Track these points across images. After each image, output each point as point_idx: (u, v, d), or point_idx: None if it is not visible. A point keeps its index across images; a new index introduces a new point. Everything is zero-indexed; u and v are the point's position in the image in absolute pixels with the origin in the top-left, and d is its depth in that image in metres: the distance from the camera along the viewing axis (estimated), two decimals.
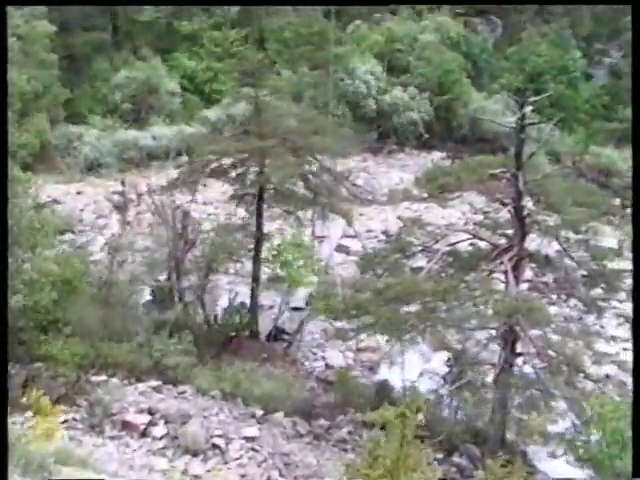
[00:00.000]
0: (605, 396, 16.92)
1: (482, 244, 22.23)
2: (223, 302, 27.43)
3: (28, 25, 42.46)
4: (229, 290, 27.11)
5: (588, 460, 15.15)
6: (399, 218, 33.22)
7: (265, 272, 28.16)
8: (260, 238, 26.65)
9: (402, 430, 12.85)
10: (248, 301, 26.82)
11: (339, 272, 33.80)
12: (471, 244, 24.07)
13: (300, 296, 28.50)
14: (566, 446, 17.07)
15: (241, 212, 28.76)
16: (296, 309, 28.32)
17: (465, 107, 54.16)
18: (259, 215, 26.59)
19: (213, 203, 41.33)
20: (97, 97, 49.07)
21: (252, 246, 26.84)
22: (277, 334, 27.25)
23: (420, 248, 22.12)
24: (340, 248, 38.61)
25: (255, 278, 26.74)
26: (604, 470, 14.39)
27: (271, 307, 29.30)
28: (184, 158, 35.59)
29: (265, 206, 26.86)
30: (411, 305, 19.42)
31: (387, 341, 21.88)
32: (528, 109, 19.67)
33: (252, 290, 26.85)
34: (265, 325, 27.34)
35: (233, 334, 24.95)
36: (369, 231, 42.14)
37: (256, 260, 26.75)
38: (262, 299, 27.80)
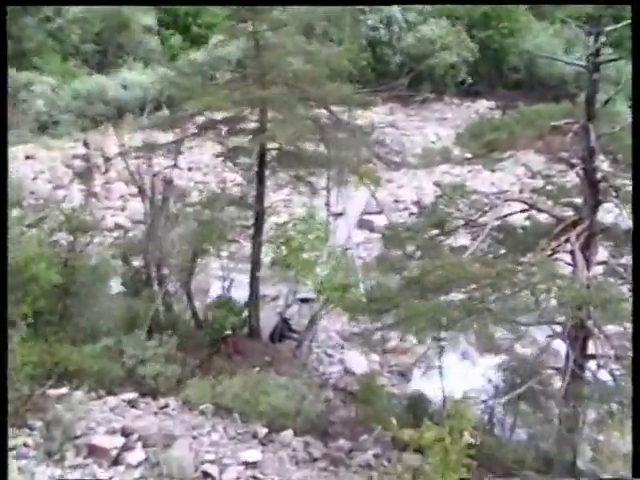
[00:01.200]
0: None
1: (542, 217, 21.89)
2: (215, 293, 27.36)
3: None
4: (222, 278, 27.03)
5: None
6: (436, 185, 32.86)
7: (267, 255, 28.07)
8: (261, 212, 26.46)
9: (444, 454, 12.59)
10: (246, 291, 26.71)
11: (360, 254, 33.67)
12: (528, 217, 23.63)
13: (311, 285, 28.39)
14: None
15: (237, 179, 28.57)
16: (306, 300, 28.30)
17: (521, 42, 53.42)
18: (260, 183, 26.38)
19: (202, 169, 41.35)
20: (49, 33, 48.56)
21: (251, 222, 26.78)
22: (283, 332, 27.26)
23: (463, 222, 21.84)
24: (362, 224, 38.56)
25: (255, 262, 26.58)
26: None
27: (275, 298, 29.27)
28: (165, 112, 35.39)
29: (268, 172, 26.69)
30: (451, 295, 19.15)
31: (421, 341, 21.74)
32: (604, 42, 19.15)
33: (251, 278, 26.73)
34: (268, 321, 27.36)
35: (228, 333, 24.93)
36: (397, 201, 42.28)
37: (256, 240, 26.58)
38: (264, 289, 27.74)
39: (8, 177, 17.49)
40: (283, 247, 26.44)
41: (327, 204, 32.09)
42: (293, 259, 26.01)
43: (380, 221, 37.78)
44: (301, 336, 27.01)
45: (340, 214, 34.91)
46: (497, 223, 21.54)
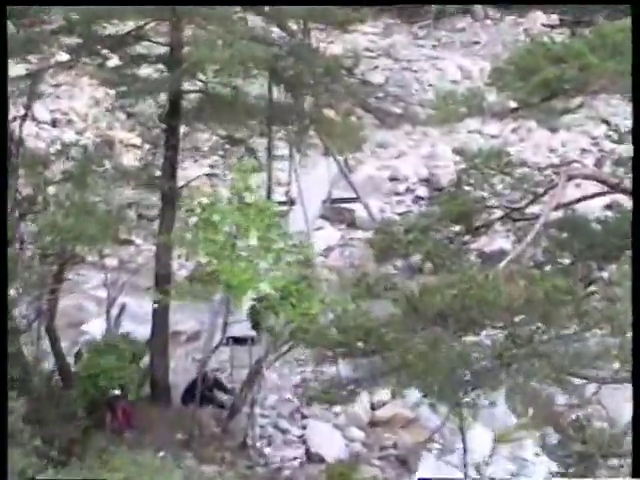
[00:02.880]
0: None
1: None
2: (95, 327, 27.18)
3: None
4: (107, 302, 26.92)
5: None
6: (457, 153, 32.88)
7: (181, 265, 28.15)
8: (172, 193, 26.34)
9: None
10: (148, 325, 26.78)
11: (330, 263, 33.73)
12: (610, 205, 23.75)
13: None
14: None
15: (134, 141, 28.41)
16: (244, 341, 28.15)
17: None
18: (172, 148, 26.37)
19: (75, 122, 41.08)
20: None
21: (156, 212, 26.99)
22: (207, 392, 27.12)
23: (500, 213, 21.92)
24: (335, 214, 38.67)
25: (162, 277, 26.44)
26: None
27: (194, 337, 29.39)
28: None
29: (183, 129, 26.80)
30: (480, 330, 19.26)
31: (431, 405, 21.81)
32: None
33: (155, 302, 26.62)
34: (182, 374, 27.62)
35: (116, 394, 24.81)
36: (395, 179, 42.19)
37: (163, 240, 26.36)
38: (175, 320, 27.91)
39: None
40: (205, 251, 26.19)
41: (268, 186, 31.94)
42: (223, 270, 25.84)
43: (359, 211, 37.99)
44: (237, 398, 26.94)
45: (291, 202, 34.78)
46: (557, 215, 21.63)
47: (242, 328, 27.56)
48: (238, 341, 28.36)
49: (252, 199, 25.29)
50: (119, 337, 25.81)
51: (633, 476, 14.82)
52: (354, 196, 37.97)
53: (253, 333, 27.44)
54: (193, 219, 25.75)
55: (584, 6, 51.39)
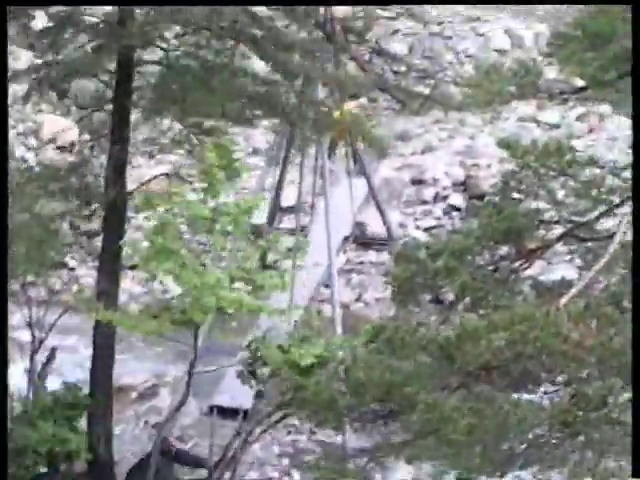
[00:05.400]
0: None
1: None
2: (12, 379, 27.28)
3: None
4: (31, 346, 27.34)
5: None
6: (503, 147, 32.95)
7: (131, 295, 28.14)
8: (119, 202, 26.25)
9: None
10: (85, 377, 26.87)
11: (344, 297, 33.80)
12: None
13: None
14: None
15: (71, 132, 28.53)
16: (233, 413, 28.23)
17: None
18: (120, 139, 26.41)
19: None
20: None
21: (97, 225, 27.55)
22: (168, 465, 27.08)
23: (562, 229, 22.16)
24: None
25: (108, 305, 26.37)
26: None
27: (147, 394, 29.44)
28: None
29: (135, 114, 26.93)
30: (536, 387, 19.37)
31: None
32: None
33: (96, 346, 26.76)
34: (131, 443, 27.99)
35: (42, 472, 24.85)
36: (420, 183, 42.09)
37: (107, 261, 26.41)
38: (123, 371, 28.10)
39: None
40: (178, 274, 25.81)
41: (278, 190, 31.97)
42: (198, 302, 25.45)
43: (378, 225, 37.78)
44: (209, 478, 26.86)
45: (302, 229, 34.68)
46: None
47: (236, 395, 27.63)
48: (225, 413, 28.67)
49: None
50: (51, 395, 25.86)
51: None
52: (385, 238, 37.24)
53: (249, 404, 27.11)
54: (149, 224, 25.43)
55: None
